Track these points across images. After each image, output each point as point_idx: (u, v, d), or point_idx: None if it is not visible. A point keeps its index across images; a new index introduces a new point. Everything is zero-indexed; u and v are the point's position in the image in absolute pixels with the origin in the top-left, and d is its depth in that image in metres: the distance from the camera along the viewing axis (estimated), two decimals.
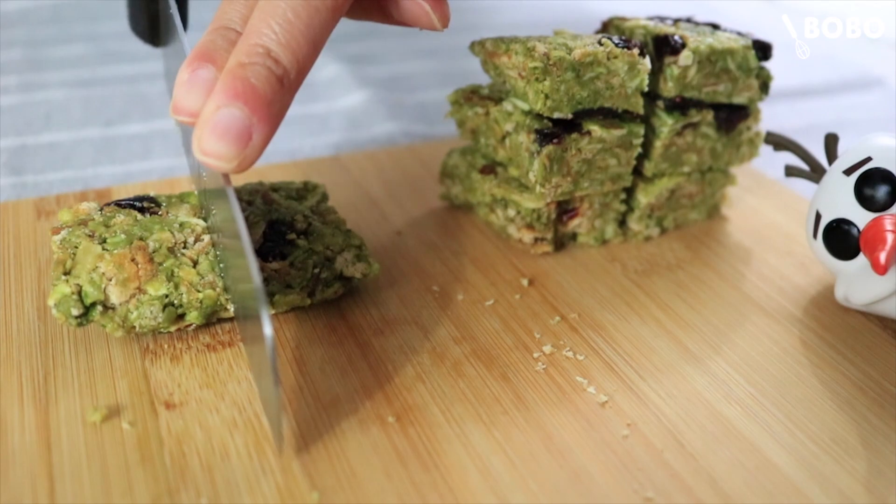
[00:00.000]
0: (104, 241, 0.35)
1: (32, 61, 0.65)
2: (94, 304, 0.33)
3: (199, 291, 0.34)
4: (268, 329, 0.27)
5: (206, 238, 0.36)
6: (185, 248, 0.36)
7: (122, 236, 0.35)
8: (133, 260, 0.34)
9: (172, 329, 0.35)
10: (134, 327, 0.34)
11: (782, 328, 0.38)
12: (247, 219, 0.38)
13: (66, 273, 0.34)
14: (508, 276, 0.41)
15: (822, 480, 0.30)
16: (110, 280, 0.34)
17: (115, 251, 0.34)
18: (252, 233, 0.37)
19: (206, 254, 0.36)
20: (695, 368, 0.36)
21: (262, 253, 0.37)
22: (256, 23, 0.31)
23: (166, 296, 0.34)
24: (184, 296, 0.34)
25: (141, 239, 0.35)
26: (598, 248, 0.44)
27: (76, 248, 0.35)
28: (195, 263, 0.35)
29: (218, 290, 0.35)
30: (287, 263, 0.36)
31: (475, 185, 0.44)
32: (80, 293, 0.33)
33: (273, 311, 0.36)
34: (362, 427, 0.32)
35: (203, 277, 0.35)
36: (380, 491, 0.29)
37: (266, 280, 0.36)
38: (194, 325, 0.35)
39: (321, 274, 0.37)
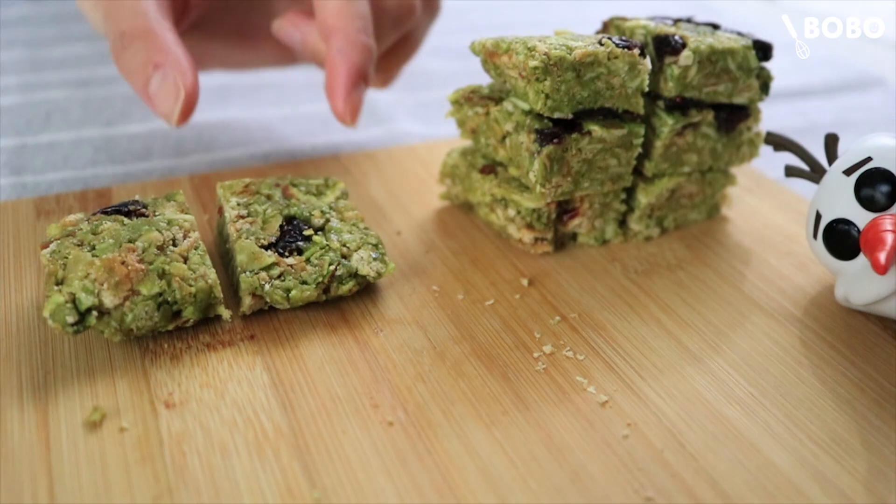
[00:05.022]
0: (93, 247, 0.35)
1: (32, 61, 0.65)
2: (89, 310, 0.33)
3: (191, 286, 0.34)
4: None
5: (195, 234, 0.37)
6: (174, 245, 0.36)
7: (111, 241, 0.35)
8: (123, 262, 0.34)
9: (171, 327, 0.35)
10: (132, 330, 0.34)
11: (782, 328, 0.38)
12: (264, 212, 0.39)
13: (59, 283, 0.34)
14: (508, 276, 0.41)
15: (822, 480, 0.30)
16: (102, 285, 0.33)
17: (104, 256, 0.34)
18: (269, 227, 0.38)
19: (196, 248, 0.36)
20: (695, 368, 0.36)
21: (279, 247, 0.37)
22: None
23: (160, 294, 0.34)
24: (176, 292, 0.34)
25: (130, 241, 0.35)
26: (598, 248, 0.44)
27: (66, 258, 0.35)
28: (185, 259, 0.35)
29: (210, 281, 0.35)
30: (303, 259, 0.37)
31: (475, 185, 0.44)
32: (74, 301, 0.33)
33: (288, 306, 0.36)
34: (362, 427, 0.32)
35: (194, 271, 0.35)
36: (380, 491, 0.29)
37: (281, 275, 0.36)
38: (192, 321, 0.35)
39: (337, 271, 0.37)
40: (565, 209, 0.43)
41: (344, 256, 0.37)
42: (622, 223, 0.45)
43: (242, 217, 0.38)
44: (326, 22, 0.43)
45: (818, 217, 0.38)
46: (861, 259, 0.37)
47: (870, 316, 0.39)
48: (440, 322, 0.38)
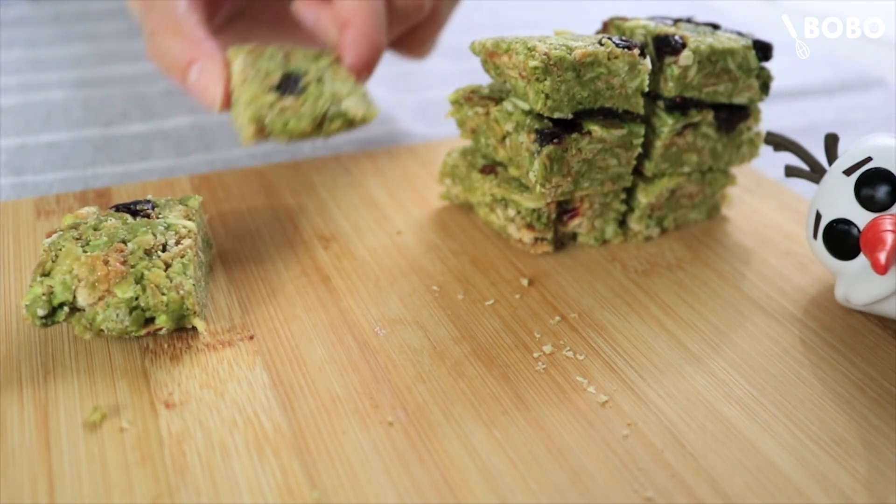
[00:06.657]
0: (87, 243, 0.35)
1: (32, 61, 0.65)
2: (61, 306, 0.33)
3: (163, 294, 0.34)
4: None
5: (187, 242, 0.36)
6: (164, 250, 0.36)
7: (104, 238, 0.35)
8: (105, 262, 0.34)
9: (142, 333, 0.34)
10: (102, 330, 0.34)
11: (782, 328, 0.38)
12: (267, 67, 0.43)
13: (46, 275, 0.34)
14: (508, 276, 0.41)
15: (823, 480, 0.30)
16: (80, 282, 0.33)
17: (91, 253, 0.34)
18: (269, 79, 0.42)
19: (182, 257, 0.35)
20: (695, 368, 0.36)
21: (280, 89, 0.41)
22: None
23: (135, 298, 0.34)
24: (150, 298, 0.34)
25: (123, 241, 0.35)
26: (598, 248, 0.44)
27: (59, 250, 0.35)
28: (167, 266, 0.35)
29: (183, 293, 0.34)
30: (301, 101, 0.41)
31: (475, 185, 0.44)
32: (51, 294, 0.33)
33: (286, 139, 0.40)
34: (362, 427, 0.32)
35: (171, 280, 0.34)
36: (380, 491, 0.29)
37: (281, 111, 0.40)
38: (166, 330, 0.34)
39: (328, 111, 0.41)
40: (565, 209, 0.43)
41: (335, 101, 0.41)
42: (622, 223, 0.45)
43: (247, 70, 0.43)
44: (344, 13, 0.45)
45: (818, 217, 0.38)
46: (861, 259, 0.37)
47: (870, 316, 0.39)
48: (440, 322, 0.38)
